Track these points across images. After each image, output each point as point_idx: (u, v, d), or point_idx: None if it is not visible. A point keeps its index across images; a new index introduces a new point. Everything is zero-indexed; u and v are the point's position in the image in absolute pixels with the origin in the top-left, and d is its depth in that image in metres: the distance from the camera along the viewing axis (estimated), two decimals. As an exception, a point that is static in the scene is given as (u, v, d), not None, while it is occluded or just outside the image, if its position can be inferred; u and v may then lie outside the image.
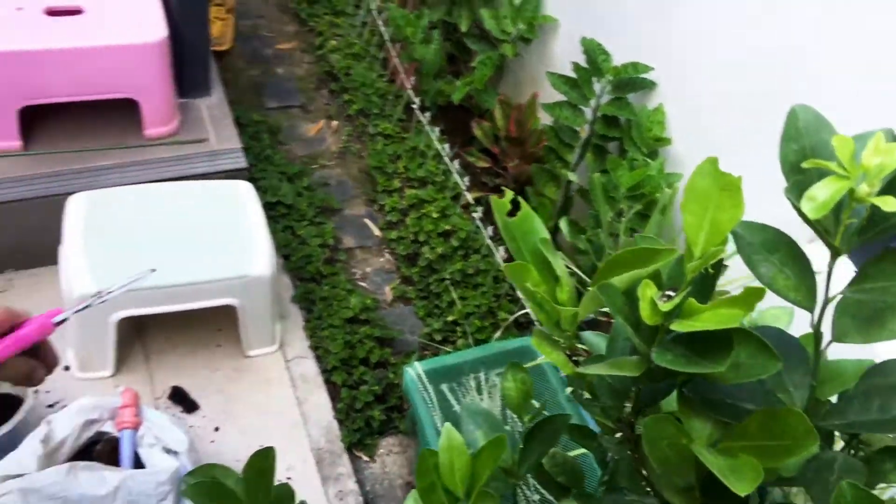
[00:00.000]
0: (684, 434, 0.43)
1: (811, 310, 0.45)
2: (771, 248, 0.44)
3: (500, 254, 2.09)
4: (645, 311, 0.40)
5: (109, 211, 1.78)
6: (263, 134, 2.45)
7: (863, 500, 0.38)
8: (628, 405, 0.54)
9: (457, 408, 1.75)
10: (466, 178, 2.20)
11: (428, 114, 2.33)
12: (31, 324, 0.72)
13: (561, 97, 2.01)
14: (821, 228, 0.42)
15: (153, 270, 0.80)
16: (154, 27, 1.85)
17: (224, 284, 1.75)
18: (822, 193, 0.39)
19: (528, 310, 1.96)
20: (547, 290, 0.46)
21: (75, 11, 1.84)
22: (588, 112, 2.00)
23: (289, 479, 1.76)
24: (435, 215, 2.26)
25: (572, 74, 1.97)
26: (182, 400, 1.83)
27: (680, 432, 0.43)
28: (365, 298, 2.09)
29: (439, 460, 0.76)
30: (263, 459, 0.69)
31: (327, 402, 1.90)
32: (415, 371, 1.75)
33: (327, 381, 1.94)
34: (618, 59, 1.92)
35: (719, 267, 0.43)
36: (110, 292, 0.77)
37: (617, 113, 1.91)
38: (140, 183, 1.88)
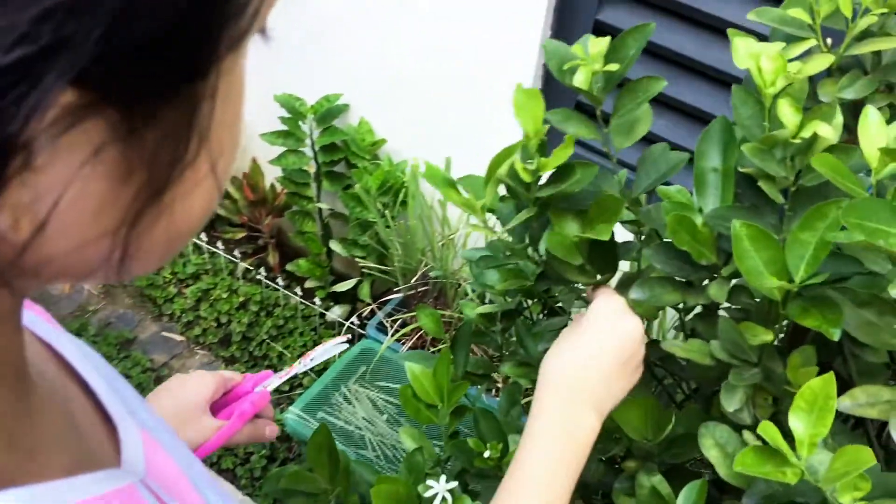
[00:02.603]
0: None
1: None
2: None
3: (296, 296, 2.35)
4: (522, 174, 0.74)
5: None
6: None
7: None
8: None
9: (340, 423, 2.01)
10: (237, 251, 2.43)
11: (169, 218, 2.51)
12: (248, 398, 0.83)
13: (281, 149, 2.31)
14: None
15: (348, 341, 0.97)
16: None
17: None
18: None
19: (343, 333, 2.26)
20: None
21: None
22: (308, 150, 2.32)
23: (238, 562, 1.92)
24: (225, 295, 2.46)
25: (282, 128, 2.28)
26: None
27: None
28: (208, 391, 2.25)
29: (414, 390, 1.06)
30: (321, 436, 0.94)
31: (231, 487, 2.07)
32: (293, 414, 1.98)
33: (219, 472, 2.10)
34: (311, 99, 2.26)
35: (544, 141, 0.78)
36: (312, 360, 0.93)
37: (331, 139, 2.25)
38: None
